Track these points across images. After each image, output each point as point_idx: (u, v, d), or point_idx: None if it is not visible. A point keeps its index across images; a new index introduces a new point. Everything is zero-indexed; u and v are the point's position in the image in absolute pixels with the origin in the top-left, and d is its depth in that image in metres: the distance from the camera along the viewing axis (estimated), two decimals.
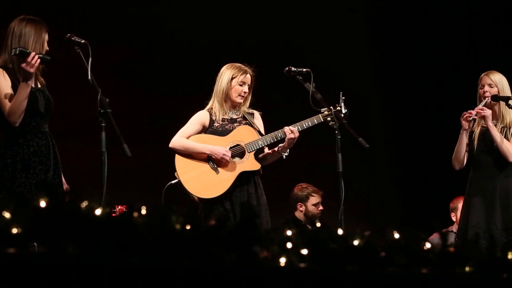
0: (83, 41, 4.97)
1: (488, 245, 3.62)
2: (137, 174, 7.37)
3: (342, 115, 5.59)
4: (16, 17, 5.09)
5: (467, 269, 3.37)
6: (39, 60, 4.86)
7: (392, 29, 9.20)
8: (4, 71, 4.98)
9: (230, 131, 5.82)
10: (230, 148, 5.78)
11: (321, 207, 7.69)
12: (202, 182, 5.74)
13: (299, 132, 5.73)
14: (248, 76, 5.86)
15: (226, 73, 5.84)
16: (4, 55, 5.02)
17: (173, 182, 5.87)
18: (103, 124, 4.73)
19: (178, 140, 5.82)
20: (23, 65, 4.83)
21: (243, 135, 5.80)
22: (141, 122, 7.74)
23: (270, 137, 5.77)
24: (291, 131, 5.70)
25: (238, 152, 5.78)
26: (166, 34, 8.12)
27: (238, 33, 8.27)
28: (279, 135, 5.76)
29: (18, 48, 4.87)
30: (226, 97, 5.84)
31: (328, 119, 5.67)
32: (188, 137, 5.83)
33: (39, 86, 5.10)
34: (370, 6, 9.31)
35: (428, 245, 3.39)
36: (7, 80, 4.96)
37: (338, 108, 5.63)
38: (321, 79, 5.63)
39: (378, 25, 9.23)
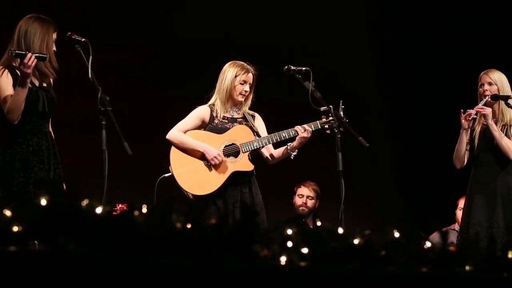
0: (83, 39, 4.96)
1: (488, 244, 3.62)
2: (138, 172, 7.37)
3: (339, 124, 5.56)
4: (20, 16, 5.10)
5: (467, 268, 3.37)
6: (35, 60, 4.87)
7: (392, 28, 9.19)
8: (6, 70, 4.99)
9: (229, 129, 5.81)
10: (226, 146, 5.77)
11: (306, 201, 7.57)
12: (194, 178, 5.73)
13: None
14: (250, 75, 5.83)
15: (229, 71, 5.82)
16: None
17: (166, 175, 5.87)
18: (103, 122, 4.72)
19: (175, 133, 5.80)
20: (20, 66, 4.85)
21: (239, 134, 5.78)
22: (142, 119, 7.73)
23: (266, 140, 5.75)
24: (305, 130, 5.69)
25: (233, 151, 5.77)
26: (166, 30, 8.11)
27: (238, 31, 8.26)
28: (275, 138, 5.74)
29: (14, 51, 4.89)
30: (229, 95, 5.83)
31: (326, 126, 5.70)
32: (185, 131, 5.82)
33: (44, 85, 5.10)
34: (370, 4, 9.31)
35: (428, 244, 3.39)
36: (9, 79, 4.98)
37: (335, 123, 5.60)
38: (320, 78, 5.63)
39: (378, 24, 9.23)
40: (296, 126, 5.71)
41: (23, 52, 4.87)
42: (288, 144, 5.78)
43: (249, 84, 5.83)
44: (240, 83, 5.80)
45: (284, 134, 5.74)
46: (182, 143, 5.78)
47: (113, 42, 7.65)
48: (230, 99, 5.83)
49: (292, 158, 5.79)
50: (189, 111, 5.93)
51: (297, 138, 5.72)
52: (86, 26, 5.73)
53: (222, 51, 7.60)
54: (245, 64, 5.85)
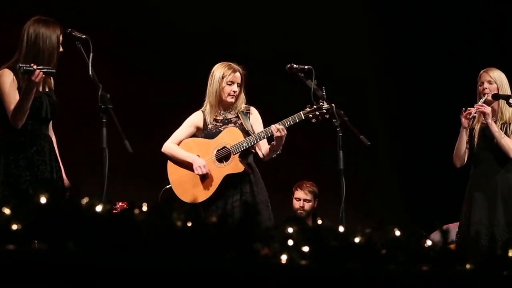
0: (84, 36, 4.94)
1: (488, 243, 3.62)
2: (138, 170, 7.36)
3: (325, 110, 5.56)
4: (15, 14, 5.08)
5: (467, 266, 3.36)
6: (43, 76, 4.83)
7: (393, 27, 9.19)
8: (12, 73, 4.96)
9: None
10: (218, 151, 5.76)
11: (303, 204, 7.52)
12: (189, 186, 5.76)
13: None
14: (237, 74, 5.79)
15: (216, 74, 5.78)
16: (16, 55, 5.00)
17: (168, 186, 5.91)
18: (104, 120, 4.71)
19: (168, 146, 5.87)
20: (27, 82, 4.82)
21: (229, 137, 5.76)
22: (142, 118, 7.72)
23: (254, 138, 5.71)
24: (278, 129, 5.63)
25: (224, 154, 5.76)
26: (170, 27, 8.11)
27: (238, 27, 8.26)
28: (262, 135, 5.71)
29: (22, 67, 4.80)
30: (219, 98, 5.80)
31: (310, 115, 5.64)
32: (179, 141, 5.86)
33: (46, 90, 5.08)
34: (372, 2, 9.31)
35: (428, 243, 3.38)
36: (14, 82, 4.95)
37: (321, 103, 5.59)
38: (321, 75, 5.61)
39: (380, 23, 9.23)
40: (272, 125, 5.68)
41: (31, 69, 4.80)
42: (271, 144, 5.75)
43: (237, 83, 5.79)
44: (228, 84, 5.77)
45: (262, 134, 5.69)
46: (173, 156, 5.85)
47: (112, 35, 7.66)
48: (220, 102, 5.81)
49: (274, 156, 5.77)
50: (190, 108, 5.94)
51: (274, 137, 5.67)
52: (86, 26, 5.72)
53: (222, 48, 7.59)
54: (232, 64, 5.81)
